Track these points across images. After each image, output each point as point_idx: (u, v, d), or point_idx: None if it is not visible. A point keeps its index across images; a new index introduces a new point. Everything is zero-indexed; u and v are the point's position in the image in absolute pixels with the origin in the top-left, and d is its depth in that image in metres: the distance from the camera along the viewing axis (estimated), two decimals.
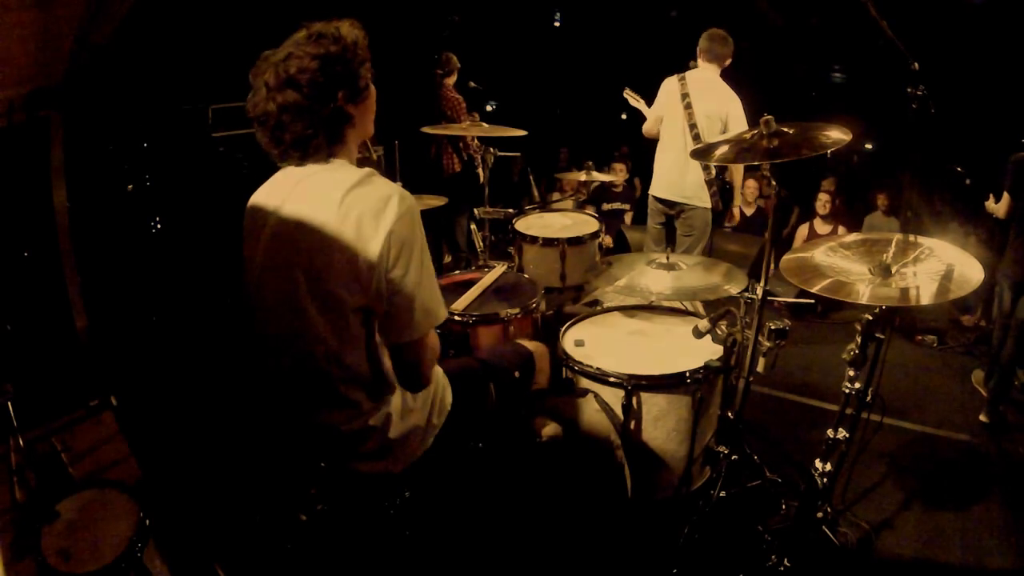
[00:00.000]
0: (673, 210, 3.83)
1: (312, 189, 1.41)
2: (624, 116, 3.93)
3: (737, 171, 4.10)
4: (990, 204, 3.25)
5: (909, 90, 1.83)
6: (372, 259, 1.35)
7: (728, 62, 3.70)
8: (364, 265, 1.36)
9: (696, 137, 3.55)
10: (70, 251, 2.58)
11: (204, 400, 2.90)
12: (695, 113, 3.58)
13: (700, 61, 3.69)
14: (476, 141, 4.81)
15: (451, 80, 4.94)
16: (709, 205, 3.72)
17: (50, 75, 2.26)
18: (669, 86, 3.75)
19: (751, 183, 5.44)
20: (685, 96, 3.61)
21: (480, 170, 5.15)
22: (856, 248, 2.01)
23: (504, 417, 1.92)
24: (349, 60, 1.40)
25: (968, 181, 3.87)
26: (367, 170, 1.43)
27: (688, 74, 3.69)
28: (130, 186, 3.88)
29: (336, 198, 1.36)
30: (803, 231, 5.46)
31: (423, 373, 1.53)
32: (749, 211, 5.47)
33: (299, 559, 1.64)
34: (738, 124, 3.56)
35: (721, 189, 3.80)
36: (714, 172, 3.66)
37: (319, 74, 1.36)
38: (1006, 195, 3.12)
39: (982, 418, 3.15)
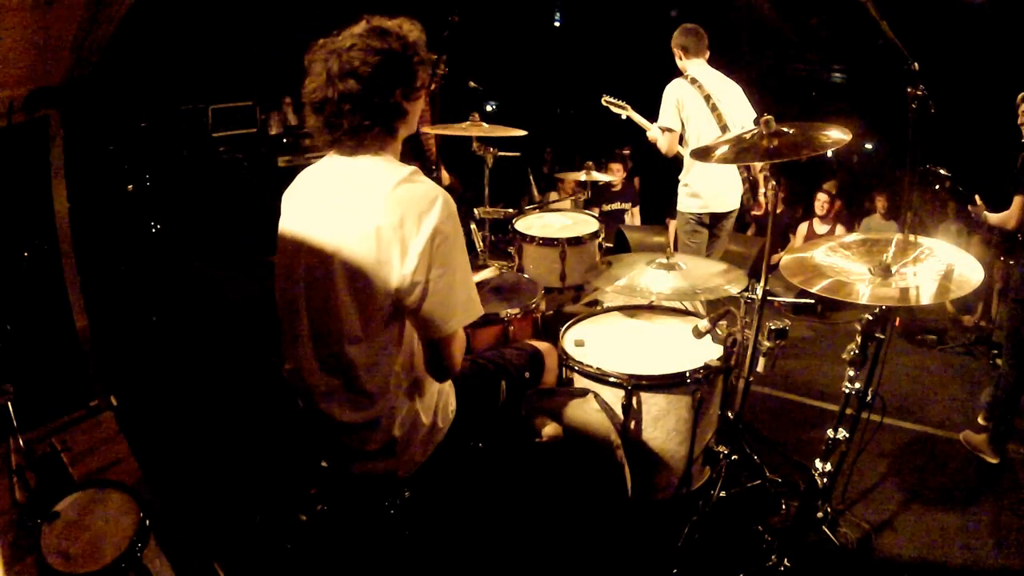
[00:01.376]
0: (717, 220, 3.59)
1: (361, 181, 1.46)
2: (624, 117, 3.82)
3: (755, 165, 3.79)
4: (983, 212, 2.96)
5: (909, 90, 1.83)
6: (414, 255, 1.40)
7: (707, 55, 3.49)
8: (405, 260, 1.40)
9: None
10: (70, 251, 2.58)
11: (204, 400, 2.90)
12: (723, 114, 3.32)
13: (693, 58, 3.45)
14: (475, 143, 4.79)
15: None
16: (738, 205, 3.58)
17: (50, 75, 2.26)
18: (681, 94, 3.39)
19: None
20: (708, 99, 3.33)
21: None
22: (856, 248, 2.00)
23: (511, 416, 1.93)
24: (410, 59, 1.47)
25: (948, 184, 3.74)
26: (413, 168, 1.49)
27: (698, 75, 3.40)
28: (130, 186, 3.89)
29: (384, 192, 1.42)
30: (802, 229, 5.52)
31: (451, 366, 1.56)
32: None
33: (299, 559, 1.65)
34: (751, 112, 3.40)
35: (751, 186, 3.55)
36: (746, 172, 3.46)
37: (381, 69, 1.42)
38: (1018, 200, 2.69)
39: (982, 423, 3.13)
